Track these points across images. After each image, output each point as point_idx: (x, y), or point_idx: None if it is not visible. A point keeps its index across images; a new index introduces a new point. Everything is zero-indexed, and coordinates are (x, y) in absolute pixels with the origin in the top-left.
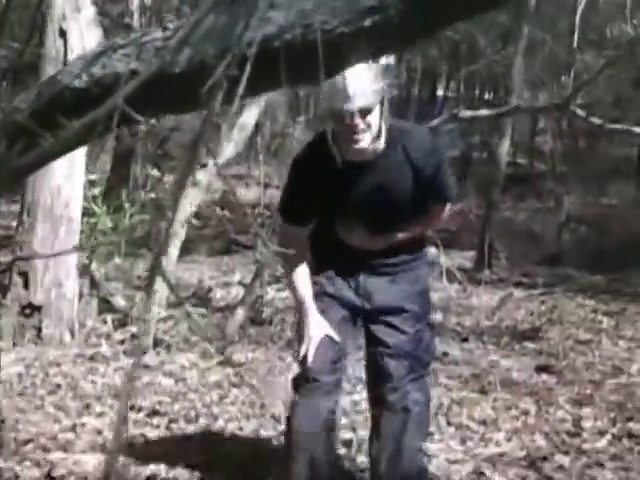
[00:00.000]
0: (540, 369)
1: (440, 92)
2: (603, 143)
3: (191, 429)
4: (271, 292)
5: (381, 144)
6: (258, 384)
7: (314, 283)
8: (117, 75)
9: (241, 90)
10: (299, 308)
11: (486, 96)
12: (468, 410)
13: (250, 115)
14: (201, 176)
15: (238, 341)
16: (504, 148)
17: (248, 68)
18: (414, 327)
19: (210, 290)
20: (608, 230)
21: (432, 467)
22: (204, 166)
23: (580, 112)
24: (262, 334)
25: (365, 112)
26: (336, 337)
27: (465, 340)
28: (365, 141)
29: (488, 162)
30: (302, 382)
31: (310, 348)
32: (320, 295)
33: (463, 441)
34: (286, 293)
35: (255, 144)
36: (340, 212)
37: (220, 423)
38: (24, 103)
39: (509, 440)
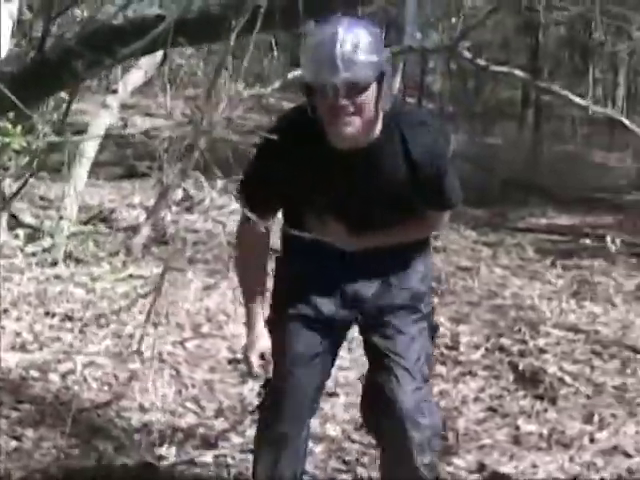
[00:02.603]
0: None
1: None
2: (490, 85)
3: (102, 333)
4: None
5: (376, 131)
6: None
7: (288, 302)
8: (144, 17)
9: (258, 27)
10: (246, 320)
11: None
12: None
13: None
14: (111, 100)
15: (142, 258)
16: (395, 86)
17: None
18: (415, 325)
19: (113, 211)
20: (491, 168)
21: None
22: (114, 92)
23: (467, 54)
24: (164, 252)
25: (355, 89)
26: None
27: None
28: (353, 127)
29: None
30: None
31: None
32: (293, 319)
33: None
34: (190, 216)
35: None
36: (315, 203)
37: (129, 328)
38: (70, 34)
39: None
